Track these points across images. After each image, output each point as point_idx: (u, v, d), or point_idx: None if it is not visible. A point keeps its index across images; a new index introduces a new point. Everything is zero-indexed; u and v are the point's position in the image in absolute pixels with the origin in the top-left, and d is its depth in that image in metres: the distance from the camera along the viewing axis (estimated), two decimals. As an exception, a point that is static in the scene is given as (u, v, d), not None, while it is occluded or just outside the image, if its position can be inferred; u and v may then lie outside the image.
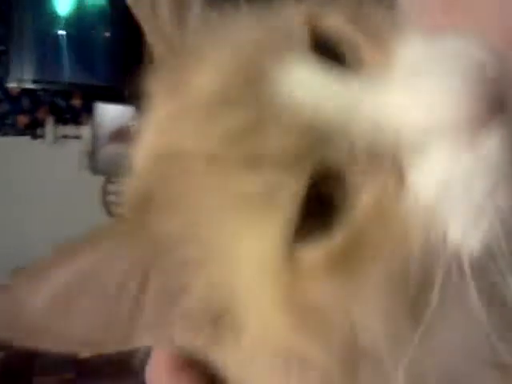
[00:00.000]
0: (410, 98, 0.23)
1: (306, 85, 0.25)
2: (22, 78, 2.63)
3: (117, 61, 2.71)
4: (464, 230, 0.23)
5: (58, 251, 0.28)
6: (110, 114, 2.77)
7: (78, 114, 2.89)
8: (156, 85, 0.31)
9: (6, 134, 2.82)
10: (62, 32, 2.68)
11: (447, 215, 0.23)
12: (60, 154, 2.87)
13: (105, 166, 2.80)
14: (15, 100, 2.79)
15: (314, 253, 0.24)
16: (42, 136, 2.82)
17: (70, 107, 2.89)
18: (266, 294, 0.25)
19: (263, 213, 0.24)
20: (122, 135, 2.81)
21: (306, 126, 0.24)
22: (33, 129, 2.83)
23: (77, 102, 2.88)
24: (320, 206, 0.24)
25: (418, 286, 0.24)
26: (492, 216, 0.23)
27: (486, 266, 0.23)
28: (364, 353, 0.25)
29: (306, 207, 0.24)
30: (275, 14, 0.30)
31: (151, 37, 0.32)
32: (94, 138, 2.78)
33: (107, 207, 2.78)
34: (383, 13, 0.29)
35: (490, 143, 0.23)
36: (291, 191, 0.24)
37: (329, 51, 0.27)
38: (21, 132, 2.84)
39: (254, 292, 0.25)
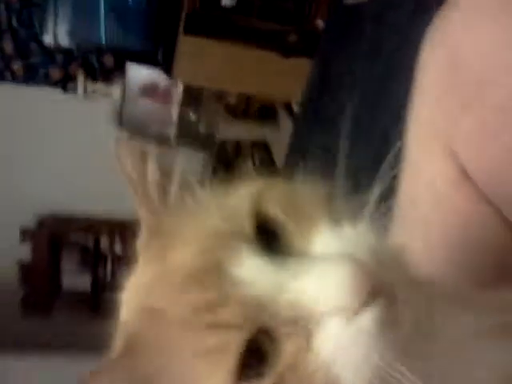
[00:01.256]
0: (313, 288, 0.35)
1: (250, 273, 0.36)
2: (57, 33, 2.66)
3: (151, 24, 2.71)
4: (353, 380, 0.34)
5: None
6: (140, 74, 2.79)
7: (110, 72, 2.92)
8: (142, 250, 0.43)
9: (38, 83, 2.89)
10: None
11: (341, 368, 0.35)
12: (89, 109, 2.93)
13: (132, 124, 2.86)
14: (49, 53, 2.84)
15: None
16: (73, 90, 2.88)
17: (101, 65, 2.92)
18: None
19: (218, 361, 0.36)
20: (150, 95, 2.85)
21: (249, 302, 0.35)
22: (64, 82, 2.88)
23: (108, 60, 2.90)
24: (259, 358, 0.36)
25: None
26: (371, 371, 0.35)
27: None
28: None
29: (249, 358, 0.35)
30: (231, 196, 0.42)
31: (141, 210, 0.44)
32: (124, 96, 2.82)
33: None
34: (313, 202, 0.41)
35: (366, 319, 0.34)
36: (236, 346, 0.35)
37: (269, 232, 0.39)
38: (53, 84, 2.90)
39: None
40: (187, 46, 2.43)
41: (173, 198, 0.44)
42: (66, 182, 3.00)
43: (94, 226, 3.18)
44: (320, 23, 2.38)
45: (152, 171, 0.45)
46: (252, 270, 0.37)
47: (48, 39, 2.67)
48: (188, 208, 0.43)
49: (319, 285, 0.35)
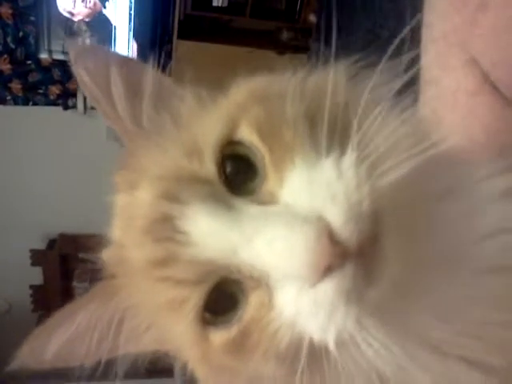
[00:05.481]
0: (269, 253, 0.32)
1: (204, 232, 0.34)
2: (52, 49, 2.67)
3: (144, 36, 2.71)
4: (319, 333, 0.33)
5: (62, 312, 0.42)
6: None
7: (108, 86, 2.92)
8: (119, 176, 0.41)
9: (38, 103, 2.90)
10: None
11: (303, 328, 0.33)
12: (90, 124, 2.93)
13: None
14: (47, 70, 2.85)
15: (218, 337, 0.36)
16: (73, 106, 2.89)
17: (99, 78, 2.92)
18: (191, 353, 0.38)
19: (179, 310, 0.36)
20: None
21: (203, 260, 0.34)
22: (64, 99, 2.89)
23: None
24: (230, 303, 0.35)
25: (290, 360, 0.34)
26: (336, 324, 0.32)
27: (344, 349, 0.34)
28: None
29: (219, 304, 0.35)
30: (206, 116, 0.38)
31: (111, 124, 0.41)
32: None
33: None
34: (297, 123, 0.35)
35: (326, 287, 0.31)
36: (194, 300, 0.35)
37: (240, 160, 0.36)
38: (53, 102, 2.91)
39: (185, 349, 0.39)
40: (182, 51, 2.43)
41: (145, 115, 0.40)
42: (71, 202, 2.99)
43: (101, 243, 3.15)
44: (312, 18, 2.37)
45: (117, 83, 0.39)
46: (204, 228, 0.34)
47: (44, 56, 2.69)
48: (163, 128, 0.39)
49: (275, 251, 0.32)
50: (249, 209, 0.34)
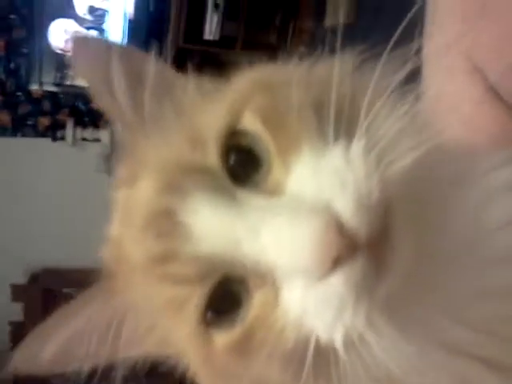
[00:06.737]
0: (275, 245, 0.31)
1: (206, 225, 0.32)
2: (43, 81, 2.69)
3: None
4: (326, 332, 0.31)
5: (58, 313, 0.40)
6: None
7: (98, 118, 2.94)
8: (121, 167, 0.40)
9: (26, 135, 2.90)
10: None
11: (311, 321, 0.32)
12: (79, 156, 2.93)
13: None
14: (37, 102, 2.86)
15: (221, 338, 0.34)
16: (62, 138, 2.88)
17: (89, 111, 2.94)
18: (194, 356, 0.37)
19: (181, 311, 0.34)
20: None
21: (205, 256, 0.32)
22: (53, 131, 2.89)
23: (97, 106, 2.93)
24: (236, 304, 0.34)
25: (295, 362, 0.32)
26: (345, 321, 0.31)
27: (351, 350, 0.32)
28: None
29: (222, 303, 0.34)
30: (209, 107, 0.36)
31: (110, 113, 0.40)
32: (113, 141, 2.83)
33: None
34: (303, 111, 0.34)
35: (335, 281, 0.30)
36: (196, 300, 0.34)
37: (244, 151, 0.34)
38: (41, 133, 2.90)
39: (187, 351, 0.37)
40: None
41: (147, 106, 0.38)
42: (57, 235, 2.94)
43: (88, 278, 3.09)
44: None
45: (118, 73, 0.38)
46: (206, 220, 0.33)
47: (35, 87, 2.70)
48: (165, 119, 0.38)
49: (280, 243, 0.31)
50: (253, 200, 0.33)
